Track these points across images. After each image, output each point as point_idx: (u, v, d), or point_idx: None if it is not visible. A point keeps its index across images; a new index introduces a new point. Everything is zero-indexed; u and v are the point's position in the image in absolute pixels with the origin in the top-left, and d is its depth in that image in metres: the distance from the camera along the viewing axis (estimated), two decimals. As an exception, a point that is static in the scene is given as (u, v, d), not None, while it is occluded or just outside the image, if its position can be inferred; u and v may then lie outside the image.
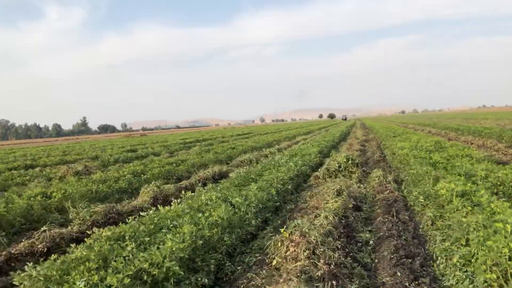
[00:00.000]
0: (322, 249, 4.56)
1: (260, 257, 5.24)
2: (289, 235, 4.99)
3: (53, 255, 4.32)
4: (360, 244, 5.66)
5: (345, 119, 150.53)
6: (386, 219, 6.44)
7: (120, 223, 5.53)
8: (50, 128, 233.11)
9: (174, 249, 4.42)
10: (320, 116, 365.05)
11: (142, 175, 12.60)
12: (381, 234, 5.86)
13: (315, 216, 6.14)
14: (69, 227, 6.76)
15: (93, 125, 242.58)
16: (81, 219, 7.25)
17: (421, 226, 6.31)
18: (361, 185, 9.15)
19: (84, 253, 4.49)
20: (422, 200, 7.26)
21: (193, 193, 8.20)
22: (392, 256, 4.87)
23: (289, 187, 9.60)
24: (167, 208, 6.48)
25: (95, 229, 5.18)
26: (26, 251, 5.58)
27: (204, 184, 11.47)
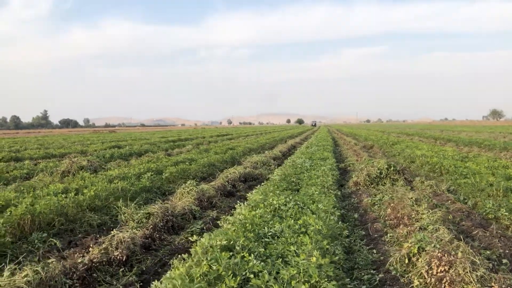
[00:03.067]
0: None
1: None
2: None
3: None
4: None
5: (315, 125, 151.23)
6: (487, 233, 5.90)
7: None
8: (8, 120, 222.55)
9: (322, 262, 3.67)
10: (288, 121, 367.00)
11: (160, 174, 11.64)
12: (502, 251, 5.29)
13: (420, 229, 5.50)
14: (130, 231, 5.81)
15: (54, 119, 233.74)
16: (137, 221, 6.31)
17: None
18: (418, 194, 8.61)
19: (203, 269, 3.68)
20: (507, 214, 6.78)
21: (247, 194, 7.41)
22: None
23: (339, 193, 8.97)
24: (252, 212, 5.66)
25: (195, 237, 4.33)
26: (104, 259, 4.65)
27: (233, 186, 10.68)
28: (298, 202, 6.54)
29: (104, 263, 4.62)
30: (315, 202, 6.59)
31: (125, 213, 6.73)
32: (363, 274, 4.76)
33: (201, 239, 5.32)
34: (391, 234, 5.98)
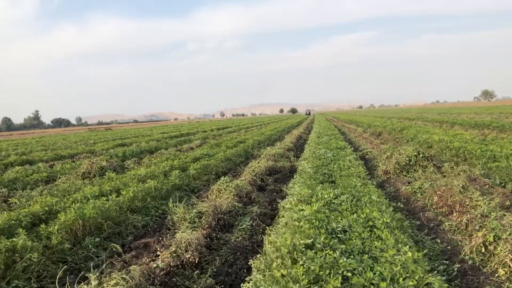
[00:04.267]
0: None
1: None
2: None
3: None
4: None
5: (309, 113, 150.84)
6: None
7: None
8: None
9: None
10: (281, 110, 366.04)
11: (184, 171, 11.55)
12: None
13: (481, 216, 5.49)
14: (192, 232, 5.72)
15: (46, 119, 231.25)
16: (189, 221, 6.24)
17: None
18: (464, 181, 8.61)
19: (300, 269, 3.63)
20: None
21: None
22: None
23: (374, 183, 8.94)
24: (307, 207, 5.60)
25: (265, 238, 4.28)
26: (177, 263, 4.59)
27: (262, 180, 10.63)
28: (347, 195, 6.50)
29: (178, 266, 4.55)
30: (365, 194, 6.56)
31: (176, 213, 6.64)
32: (436, 265, 4.74)
33: (269, 237, 5.28)
34: (449, 223, 5.96)
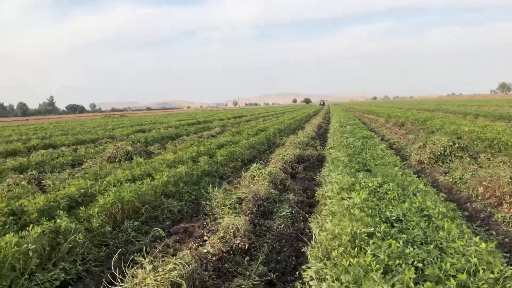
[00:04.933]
0: None
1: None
2: None
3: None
4: None
5: (323, 104, 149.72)
6: None
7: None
8: (15, 107, 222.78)
9: None
10: (294, 100, 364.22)
11: (211, 157, 11.41)
12: None
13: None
14: (236, 217, 5.56)
15: (60, 105, 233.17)
16: (228, 206, 6.09)
17: None
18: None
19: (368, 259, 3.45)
20: None
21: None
22: None
23: (411, 172, 8.69)
24: (355, 194, 5.39)
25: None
26: (227, 249, 4.44)
27: (292, 168, 10.45)
28: (392, 184, 6.28)
29: (229, 252, 4.40)
30: (411, 184, 6.33)
31: (215, 198, 6.49)
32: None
33: (317, 225, 5.11)
34: (501, 215, 5.71)
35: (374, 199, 5.53)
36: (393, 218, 4.70)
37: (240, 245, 4.55)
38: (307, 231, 5.82)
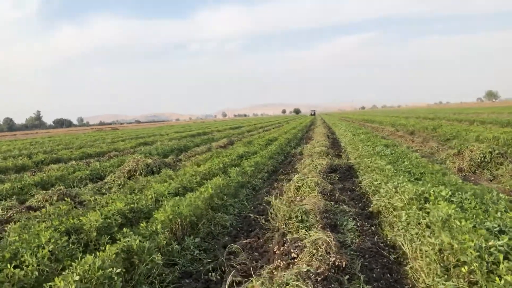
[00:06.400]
0: None
1: None
2: None
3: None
4: None
5: (314, 114, 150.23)
6: None
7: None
8: (1, 122, 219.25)
9: None
10: (283, 111, 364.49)
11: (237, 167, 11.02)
12: None
13: None
14: (314, 231, 5.16)
15: (47, 119, 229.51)
16: (297, 220, 5.69)
17: None
18: None
19: None
20: None
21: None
22: None
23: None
24: (443, 205, 5.05)
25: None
26: (325, 267, 4.04)
27: (328, 178, 10.09)
28: (468, 192, 5.96)
29: (330, 270, 4.00)
30: (484, 192, 6.03)
31: (279, 210, 6.09)
32: None
33: (408, 240, 4.75)
34: None
35: (458, 209, 5.20)
36: (495, 229, 4.36)
37: (336, 263, 4.15)
38: (382, 245, 5.46)
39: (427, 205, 5.49)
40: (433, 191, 5.96)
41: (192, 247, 5.44)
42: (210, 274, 4.73)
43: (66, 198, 7.55)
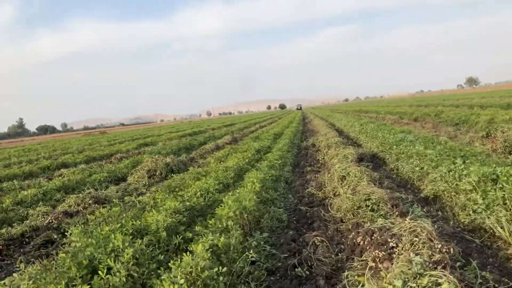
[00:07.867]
0: None
1: None
2: None
3: None
4: None
5: (300, 108, 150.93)
6: None
7: None
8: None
9: None
10: (268, 107, 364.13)
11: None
12: None
13: None
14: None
15: (29, 126, 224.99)
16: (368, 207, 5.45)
17: None
18: None
19: None
20: None
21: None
22: None
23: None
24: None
25: None
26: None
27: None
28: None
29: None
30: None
31: (343, 200, 5.84)
32: None
33: None
34: None
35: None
36: None
37: (443, 250, 3.90)
38: (459, 229, 5.25)
39: (498, 185, 5.32)
40: (501, 171, 5.78)
41: (262, 242, 5.15)
42: (296, 269, 4.45)
43: (100, 201, 7.19)
